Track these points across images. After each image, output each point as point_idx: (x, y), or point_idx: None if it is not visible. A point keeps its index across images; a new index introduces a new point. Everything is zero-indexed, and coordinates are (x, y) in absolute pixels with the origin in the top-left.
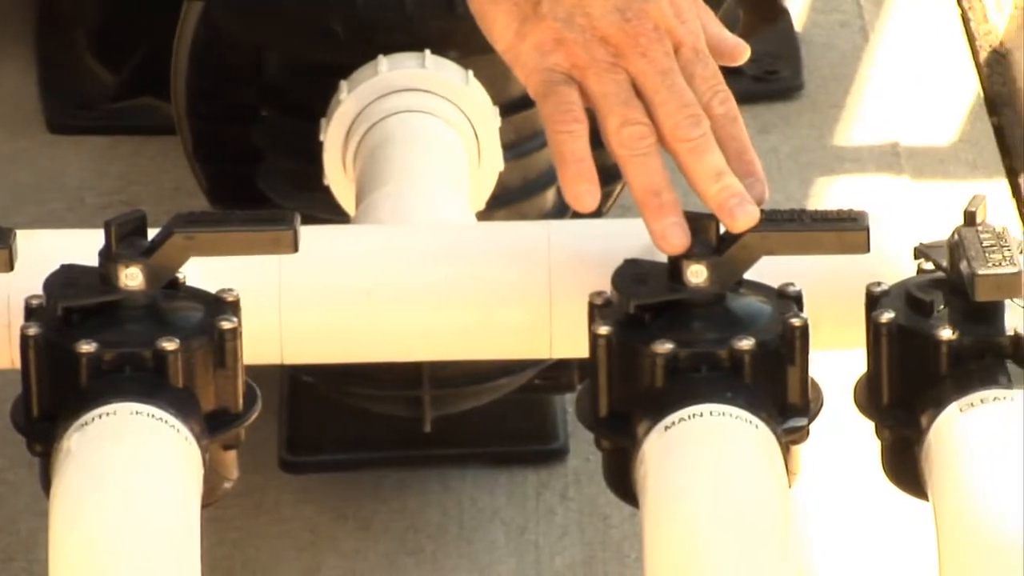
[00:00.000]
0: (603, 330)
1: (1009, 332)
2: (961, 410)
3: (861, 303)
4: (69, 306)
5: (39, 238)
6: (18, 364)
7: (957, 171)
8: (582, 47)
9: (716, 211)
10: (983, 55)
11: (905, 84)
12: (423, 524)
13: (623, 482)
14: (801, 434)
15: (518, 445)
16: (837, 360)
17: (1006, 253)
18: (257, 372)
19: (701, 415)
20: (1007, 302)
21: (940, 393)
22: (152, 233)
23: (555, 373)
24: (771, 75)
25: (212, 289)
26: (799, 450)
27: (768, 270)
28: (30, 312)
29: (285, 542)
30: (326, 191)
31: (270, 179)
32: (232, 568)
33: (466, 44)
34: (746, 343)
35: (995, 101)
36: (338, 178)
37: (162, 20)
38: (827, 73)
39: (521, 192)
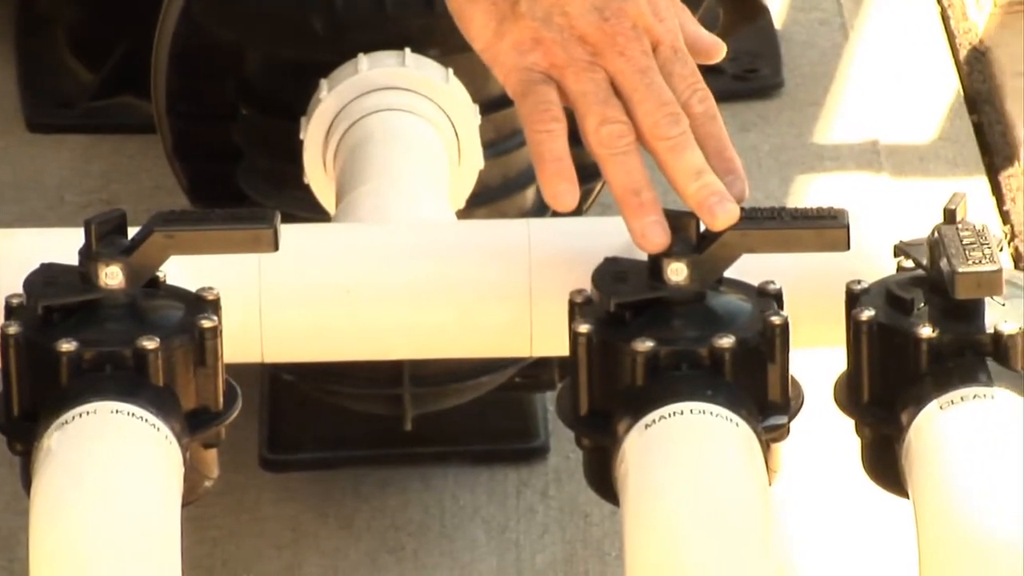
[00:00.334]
0: (583, 328)
1: (989, 330)
2: (941, 408)
3: (841, 301)
4: (49, 305)
5: (19, 237)
6: None
7: (937, 169)
8: (560, 46)
9: (696, 209)
10: (963, 53)
11: (885, 82)
12: (404, 522)
13: (604, 480)
14: (781, 432)
15: (499, 443)
16: (817, 358)
17: (986, 251)
18: (237, 371)
19: (681, 413)
20: (987, 300)
21: (920, 391)
22: (132, 232)
23: (535, 371)
24: (751, 73)
25: (192, 288)
26: (779, 448)
27: (748, 268)
28: (10, 311)
29: (266, 540)
30: (306, 190)
31: (250, 178)
32: (213, 566)
33: (446, 42)
34: (726, 341)
35: (975, 99)
36: (318, 176)
37: (142, 18)
38: (807, 71)
39: (501, 190)
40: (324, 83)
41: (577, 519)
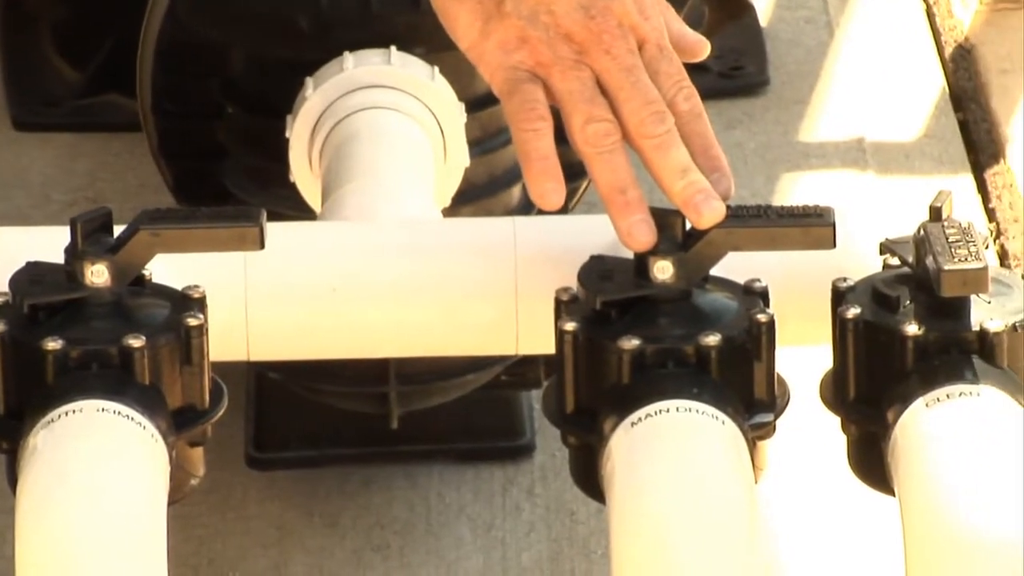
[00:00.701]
0: (569, 326)
1: (975, 327)
2: (927, 405)
3: (827, 299)
4: (35, 303)
5: (4, 235)
6: None
7: (923, 166)
8: (546, 45)
9: (682, 207)
10: (948, 50)
11: (870, 80)
12: (390, 520)
13: (590, 478)
14: (767, 430)
15: (485, 441)
16: (803, 356)
17: (972, 248)
18: (223, 369)
19: (667, 411)
20: (973, 297)
21: (906, 388)
22: (118, 230)
23: (521, 369)
24: (736, 71)
25: (178, 286)
26: (765, 446)
27: (734, 266)
28: None
29: (251, 539)
30: (292, 188)
31: (236, 176)
32: (199, 565)
33: (432, 40)
34: (712, 339)
35: (960, 97)
36: (304, 175)
37: (127, 17)
38: (792, 69)
39: (487, 188)
40: (310, 81)
41: (563, 517)
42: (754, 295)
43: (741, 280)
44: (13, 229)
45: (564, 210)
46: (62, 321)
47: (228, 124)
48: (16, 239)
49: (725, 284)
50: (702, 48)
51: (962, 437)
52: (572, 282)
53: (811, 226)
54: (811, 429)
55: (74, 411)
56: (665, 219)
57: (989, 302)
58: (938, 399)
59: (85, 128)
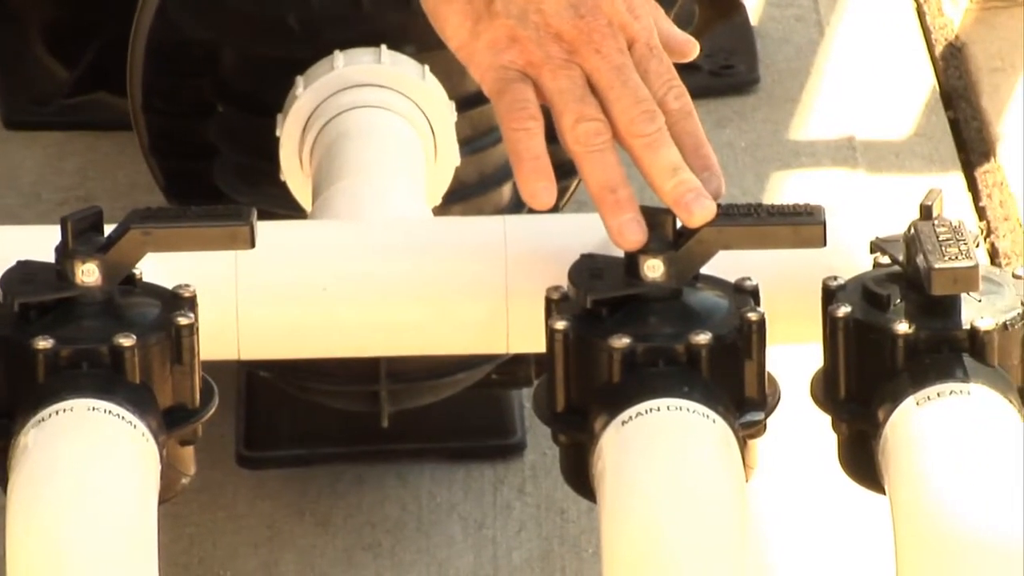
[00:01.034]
0: (560, 325)
1: (965, 326)
2: (918, 404)
3: (818, 297)
4: (26, 302)
5: None
6: None
7: (913, 165)
8: (536, 44)
9: (672, 206)
10: (939, 49)
11: (861, 78)
12: (380, 519)
13: (580, 477)
14: (758, 428)
15: (475, 440)
16: (794, 354)
17: (962, 247)
18: (214, 368)
19: (658, 409)
20: (963, 296)
21: (897, 387)
22: (109, 229)
23: (512, 368)
24: (727, 70)
25: (169, 285)
26: (756, 444)
27: (725, 265)
28: None
29: (242, 538)
30: (283, 186)
31: (226, 175)
32: (189, 564)
33: (422, 39)
34: (703, 337)
35: (951, 95)
36: (295, 174)
37: (117, 15)
38: (783, 68)
39: (477, 187)
40: (300, 80)
41: (554, 516)
42: (745, 294)
43: (731, 279)
44: (3, 228)
45: (555, 209)
46: (53, 320)
47: (218, 123)
48: (6, 238)
49: (716, 283)
50: (691, 48)
51: (953, 436)
52: (563, 281)
53: (801, 224)
54: (802, 428)
55: (65, 410)
56: (656, 218)
57: (980, 300)
58: (929, 397)
59: (75, 127)
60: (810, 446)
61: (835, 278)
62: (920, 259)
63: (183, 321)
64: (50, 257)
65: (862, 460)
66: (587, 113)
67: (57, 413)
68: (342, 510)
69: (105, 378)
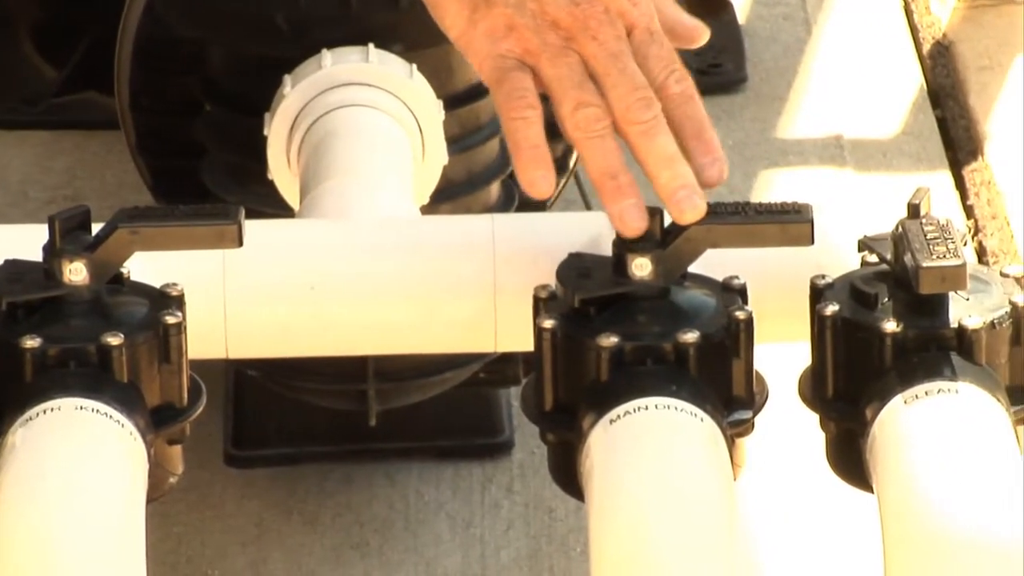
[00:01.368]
0: (548, 324)
1: (953, 324)
2: (906, 402)
3: (805, 296)
4: (13, 301)
5: None
6: None
7: (901, 164)
8: (533, 32)
9: (665, 200)
10: (926, 47)
11: (848, 77)
12: (369, 518)
13: (568, 475)
14: (746, 427)
15: (463, 439)
16: (782, 353)
17: (950, 245)
18: (202, 367)
19: (646, 408)
20: (951, 294)
21: (885, 386)
22: (96, 228)
23: (500, 367)
24: (714, 68)
25: (156, 284)
26: (744, 443)
27: (713, 263)
28: None
29: (230, 536)
30: (270, 186)
31: (214, 174)
32: (177, 563)
33: (410, 38)
34: (691, 336)
35: (938, 93)
36: (282, 172)
37: (105, 15)
38: (770, 66)
39: (465, 186)
40: (288, 79)
41: (542, 515)
42: (732, 292)
43: (719, 277)
44: None
45: (543, 207)
46: (40, 319)
47: (206, 122)
48: None
49: (703, 281)
50: (699, 33)
51: (941, 434)
52: (551, 279)
53: (789, 223)
54: (789, 426)
55: (52, 409)
56: None
57: (967, 299)
58: (916, 396)
59: (63, 126)
60: (798, 445)
61: (823, 276)
62: (908, 258)
63: (171, 320)
64: (38, 256)
65: (850, 459)
66: (586, 99)
67: (45, 412)
68: (330, 509)
69: (93, 377)
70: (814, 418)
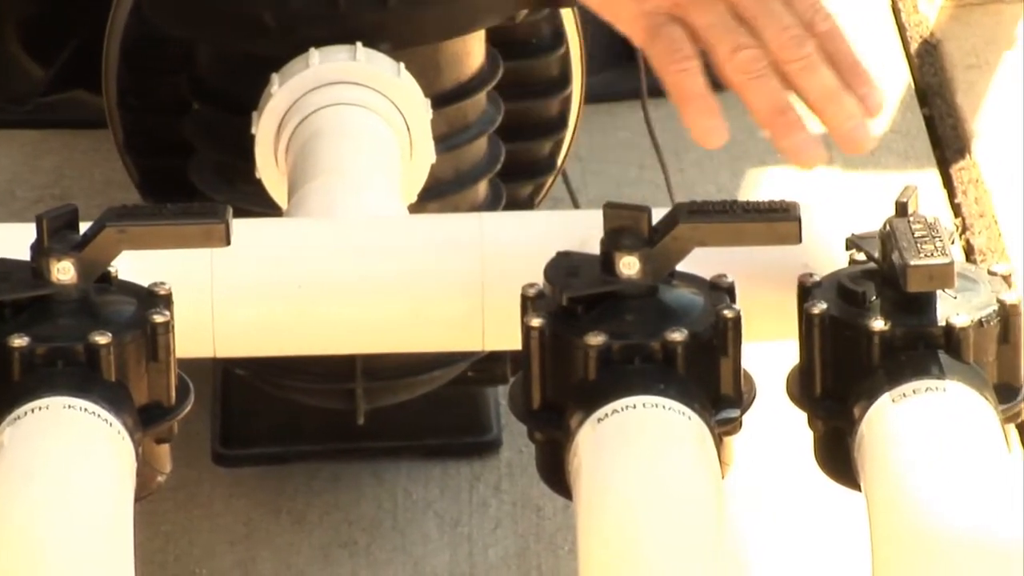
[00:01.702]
0: (536, 322)
1: (941, 323)
2: (893, 401)
3: (793, 294)
4: (1, 300)
5: None
6: None
7: (888, 162)
8: None
9: (834, 133)
10: (914, 46)
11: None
12: (357, 517)
13: (556, 474)
14: (734, 425)
15: (451, 437)
16: (770, 351)
17: (938, 244)
18: (190, 365)
19: (634, 407)
20: (939, 292)
21: (872, 384)
22: (84, 227)
23: (488, 365)
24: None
25: (144, 283)
26: (732, 441)
27: (701, 262)
28: None
29: (219, 535)
30: (258, 184)
31: (202, 172)
32: (166, 561)
33: (398, 36)
34: (679, 335)
35: (926, 92)
36: (270, 171)
37: (92, 13)
38: None
39: (453, 184)
40: (275, 78)
41: (530, 513)
42: (720, 291)
43: (707, 276)
44: None
45: (530, 205)
46: (28, 318)
47: (194, 120)
48: None
49: (691, 280)
50: None
51: (928, 432)
52: (538, 278)
53: (777, 221)
54: (777, 425)
55: (40, 408)
56: (631, 215)
57: (955, 297)
58: (904, 394)
59: (51, 125)
60: (786, 443)
61: (811, 275)
62: (896, 256)
63: (159, 319)
64: (25, 255)
65: (838, 457)
66: (742, 42)
67: (32, 411)
68: (318, 508)
69: (81, 376)
70: (802, 417)
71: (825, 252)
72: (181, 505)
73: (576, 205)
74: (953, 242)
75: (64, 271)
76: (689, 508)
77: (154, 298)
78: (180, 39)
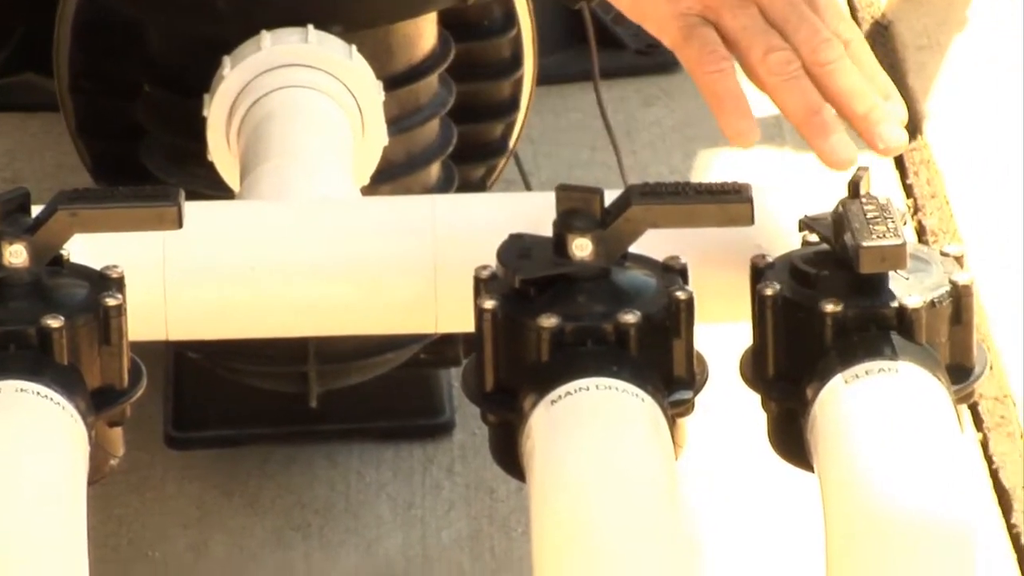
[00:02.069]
0: (488, 304)
1: (893, 304)
2: (846, 382)
3: (746, 276)
4: None
5: None
6: None
7: None
8: None
9: (865, 134)
10: (865, 27)
11: None
12: (310, 500)
13: (510, 456)
14: (687, 407)
15: (404, 420)
16: (722, 333)
17: (890, 225)
18: (142, 348)
19: (587, 389)
20: (891, 273)
21: (825, 365)
22: (36, 210)
23: (441, 347)
24: (653, 48)
25: (97, 266)
26: (685, 423)
27: (653, 243)
28: None
29: (171, 518)
30: (210, 167)
31: (154, 155)
32: (119, 545)
33: (350, 18)
34: (631, 317)
35: None
36: (222, 154)
37: None
38: None
39: (405, 167)
40: (227, 60)
41: (483, 495)
42: (673, 272)
43: (660, 257)
44: None
45: (482, 187)
46: None
47: (146, 103)
48: None
49: (644, 261)
50: None
51: (880, 413)
52: (491, 260)
53: (729, 203)
54: (730, 406)
55: None
56: (583, 197)
57: (907, 278)
58: (856, 376)
59: (2, 108)
60: (739, 425)
61: (763, 256)
62: (848, 237)
63: (111, 302)
64: None
65: (791, 438)
66: (775, 44)
67: None
68: (271, 491)
69: (33, 359)
70: (755, 398)
71: (778, 233)
72: (134, 488)
73: (528, 187)
74: (905, 223)
75: (16, 254)
76: (642, 490)
77: (106, 281)
78: (132, 21)
